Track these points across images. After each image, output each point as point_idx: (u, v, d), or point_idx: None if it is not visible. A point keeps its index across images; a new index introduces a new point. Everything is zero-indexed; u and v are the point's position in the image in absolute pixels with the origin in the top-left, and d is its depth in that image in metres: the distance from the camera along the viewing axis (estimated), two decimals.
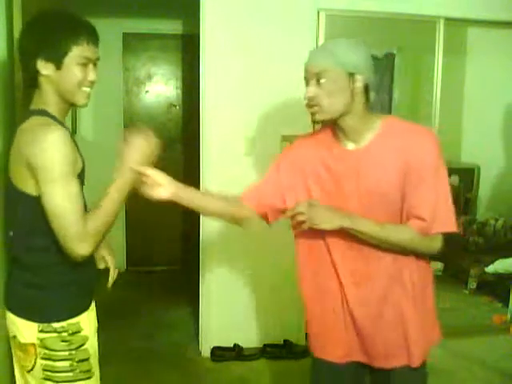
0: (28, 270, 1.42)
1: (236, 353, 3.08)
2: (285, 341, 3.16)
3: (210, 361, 3.07)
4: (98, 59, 1.44)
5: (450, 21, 3.18)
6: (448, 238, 1.49)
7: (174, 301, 3.91)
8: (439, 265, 4.26)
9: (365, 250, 1.50)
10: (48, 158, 1.28)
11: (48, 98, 1.41)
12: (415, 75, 3.69)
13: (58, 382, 1.41)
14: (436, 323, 1.63)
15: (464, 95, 4.78)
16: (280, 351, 3.12)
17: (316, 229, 1.46)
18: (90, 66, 1.42)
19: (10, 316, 1.44)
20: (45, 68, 1.37)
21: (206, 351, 3.13)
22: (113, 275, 1.68)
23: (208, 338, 3.14)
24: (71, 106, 1.47)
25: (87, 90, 1.43)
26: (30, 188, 1.34)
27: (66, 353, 1.41)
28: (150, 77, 4.57)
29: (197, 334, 3.22)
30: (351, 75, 1.42)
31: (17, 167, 1.35)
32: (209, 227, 3.05)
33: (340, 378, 1.63)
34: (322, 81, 1.42)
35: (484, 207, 4.76)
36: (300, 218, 1.47)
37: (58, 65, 1.37)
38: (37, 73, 1.38)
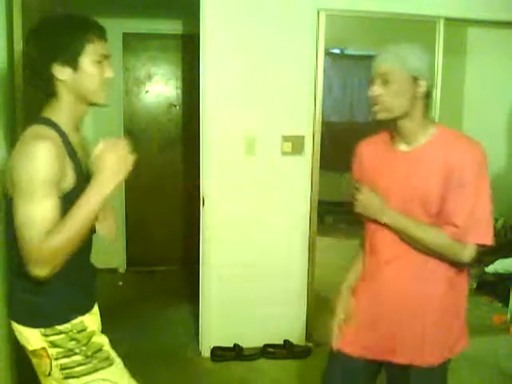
0: (23, 276, 1.37)
1: (236, 353, 3.08)
2: (285, 341, 3.16)
3: (210, 361, 3.07)
4: (110, 56, 1.40)
5: (450, 21, 3.18)
6: None
7: (174, 301, 3.91)
8: None
9: (392, 240, 1.54)
10: (22, 173, 1.24)
11: (64, 105, 1.37)
12: None
13: (79, 376, 1.40)
14: (463, 331, 1.62)
15: (464, 95, 4.78)
16: (280, 351, 3.12)
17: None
18: (105, 62, 1.38)
19: (16, 326, 1.42)
20: (61, 73, 1.33)
21: (206, 351, 3.13)
22: (110, 224, 1.61)
23: (208, 338, 3.14)
24: (88, 108, 1.42)
25: (106, 87, 1.39)
26: None
27: (77, 350, 1.40)
28: (149, 77, 4.57)
29: (197, 334, 3.22)
30: (415, 79, 1.49)
31: (9, 173, 1.32)
32: (209, 227, 3.05)
33: (355, 371, 1.66)
34: (388, 81, 1.49)
35: None
36: (353, 199, 1.59)
37: (75, 66, 1.33)
38: (53, 79, 1.34)
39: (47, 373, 1.40)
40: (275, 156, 3.07)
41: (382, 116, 1.53)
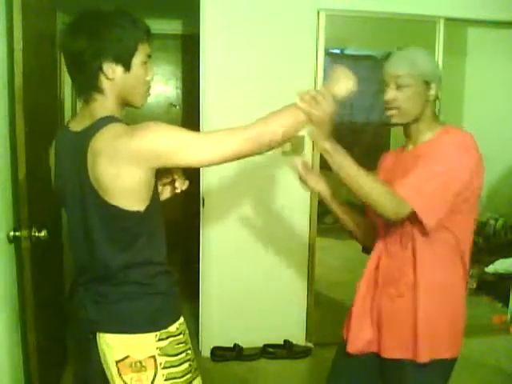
0: (133, 283, 1.33)
1: (236, 353, 3.09)
2: (285, 341, 3.16)
3: (210, 361, 3.07)
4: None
5: (449, 21, 3.19)
6: None
7: None
8: None
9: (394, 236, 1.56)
10: (162, 136, 1.23)
11: (109, 104, 1.29)
12: None
13: None
14: (458, 336, 1.60)
15: (464, 95, 4.78)
16: (280, 351, 3.12)
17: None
18: (148, 63, 1.32)
19: (119, 337, 1.31)
20: (112, 71, 1.26)
21: (205, 351, 3.13)
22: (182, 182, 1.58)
23: (208, 337, 3.14)
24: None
25: (148, 90, 1.35)
26: (131, 203, 1.27)
27: (184, 354, 1.35)
28: None
29: (197, 334, 3.22)
30: (427, 83, 1.51)
31: (114, 183, 1.23)
32: (209, 227, 3.05)
33: (359, 365, 1.67)
34: (402, 85, 1.50)
35: (484, 207, 4.75)
36: (313, 106, 1.51)
37: (127, 66, 1.27)
38: (99, 75, 1.26)
39: None
40: (275, 156, 3.06)
41: (396, 120, 1.54)
